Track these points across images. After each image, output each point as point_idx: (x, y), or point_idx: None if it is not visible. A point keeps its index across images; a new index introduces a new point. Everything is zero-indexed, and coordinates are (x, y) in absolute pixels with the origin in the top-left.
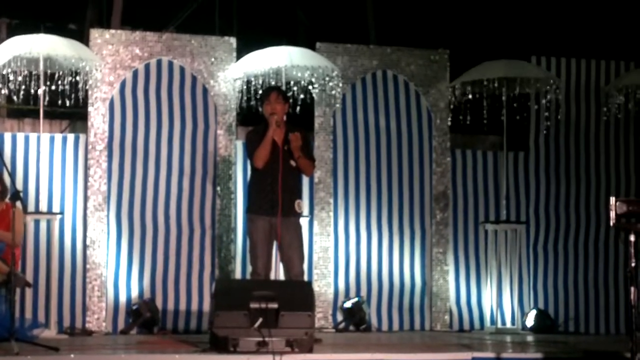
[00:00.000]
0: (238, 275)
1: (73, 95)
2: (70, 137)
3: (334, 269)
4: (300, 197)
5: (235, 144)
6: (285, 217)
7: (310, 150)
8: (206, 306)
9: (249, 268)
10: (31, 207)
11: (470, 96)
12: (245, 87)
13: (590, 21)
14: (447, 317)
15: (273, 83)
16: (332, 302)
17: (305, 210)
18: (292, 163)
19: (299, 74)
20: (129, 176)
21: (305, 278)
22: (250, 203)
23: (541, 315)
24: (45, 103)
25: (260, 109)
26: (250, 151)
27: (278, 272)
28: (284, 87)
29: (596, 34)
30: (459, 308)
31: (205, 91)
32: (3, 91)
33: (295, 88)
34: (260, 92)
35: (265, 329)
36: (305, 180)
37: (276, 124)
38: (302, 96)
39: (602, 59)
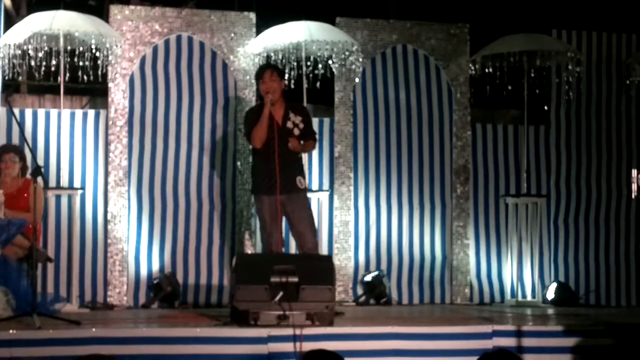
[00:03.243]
0: (258, 249)
1: (93, 72)
2: (91, 112)
3: (354, 243)
4: (302, 174)
5: None
6: (288, 194)
7: (312, 128)
8: (227, 280)
9: None
10: (52, 183)
11: (490, 70)
12: (265, 62)
13: None
14: (467, 290)
15: (293, 58)
16: (353, 276)
17: (326, 185)
18: (291, 142)
19: (319, 49)
20: (150, 151)
21: (325, 252)
22: (254, 183)
23: (562, 288)
24: (66, 79)
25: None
26: (247, 131)
27: (292, 248)
28: (303, 62)
29: (617, 7)
30: (480, 281)
31: (225, 66)
32: (24, 67)
33: (315, 63)
34: (280, 66)
35: (285, 302)
36: (326, 154)
37: (271, 103)
38: (322, 71)
39: (623, 32)
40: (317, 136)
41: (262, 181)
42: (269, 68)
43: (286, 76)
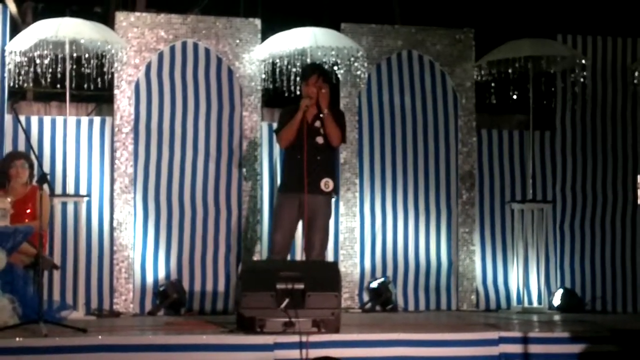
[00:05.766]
0: (264, 256)
1: (99, 78)
2: (97, 120)
3: (360, 250)
4: (330, 175)
5: (260, 125)
6: (310, 194)
7: (343, 124)
8: (232, 287)
9: None
10: (58, 190)
11: (496, 75)
12: (270, 68)
13: None
14: (473, 296)
15: (298, 64)
16: (359, 283)
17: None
18: (320, 140)
19: (324, 55)
20: (155, 158)
21: (331, 258)
22: (281, 181)
23: (568, 294)
24: (72, 86)
25: (284, 90)
26: (277, 129)
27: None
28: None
29: (622, 12)
30: (486, 288)
31: (230, 73)
32: (30, 75)
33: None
34: (285, 73)
35: (291, 309)
36: None
37: (305, 108)
38: None
39: (628, 36)
40: (344, 135)
41: (288, 179)
42: (316, 72)
43: (290, 82)
